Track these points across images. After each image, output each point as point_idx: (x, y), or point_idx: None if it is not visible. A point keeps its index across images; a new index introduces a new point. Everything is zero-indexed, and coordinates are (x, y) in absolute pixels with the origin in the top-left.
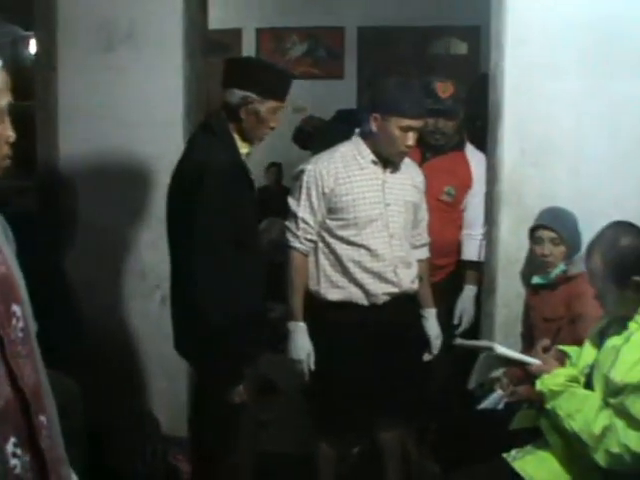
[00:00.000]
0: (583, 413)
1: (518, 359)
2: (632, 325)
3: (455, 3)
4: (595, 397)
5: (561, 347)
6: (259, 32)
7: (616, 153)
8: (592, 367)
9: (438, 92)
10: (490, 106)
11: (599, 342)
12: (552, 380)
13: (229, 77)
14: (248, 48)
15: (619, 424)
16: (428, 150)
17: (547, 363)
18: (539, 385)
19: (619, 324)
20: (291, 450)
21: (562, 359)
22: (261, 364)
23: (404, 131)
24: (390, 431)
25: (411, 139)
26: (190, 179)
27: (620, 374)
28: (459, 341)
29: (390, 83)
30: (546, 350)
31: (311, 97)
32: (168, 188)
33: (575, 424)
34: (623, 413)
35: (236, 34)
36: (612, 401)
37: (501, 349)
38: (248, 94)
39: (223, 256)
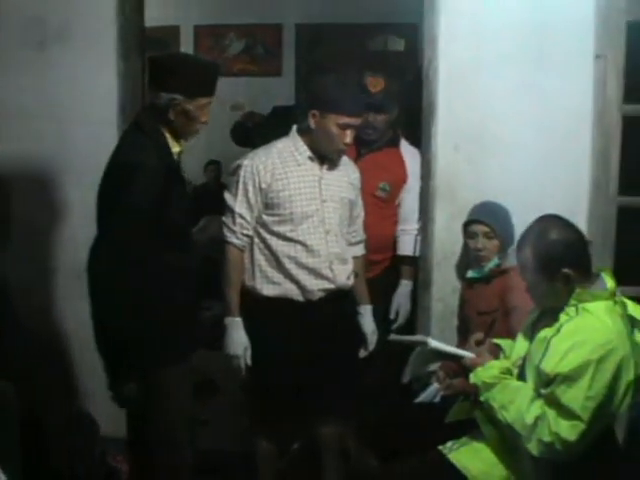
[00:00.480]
0: (516, 404)
1: (452, 353)
2: (562, 317)
3: (393, 0)
4: (527, 388)
5: (495, 340)
6: (197, 29)
7: (547, 147)
8: (524, 359)
9: (369, 86)
10: (424, 102)
11: (531, 334)
12: (485, 373)
13: (154, 79)
14: (186, 45)
15: (550, 414)
16: (363, 146)
17: (480, 356)
18: (473, 378)
19: (550, 316)
20: (231, 447)
21: (496, 352)
22: (201, 362)
23: (342, 128)
24: (328, 426)
25: (349, 137)
26: (116, 177)
27: (551, 365)
28: (393, 337)
29: (329, 80)
30: (479, 343)
31: (249, 94)
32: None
33: (508, 415)
34: (554, 403)
35: (174, 31)
36: (543, 391)
37: (435, 343)
38: (174, 96)
39: (142, 253)
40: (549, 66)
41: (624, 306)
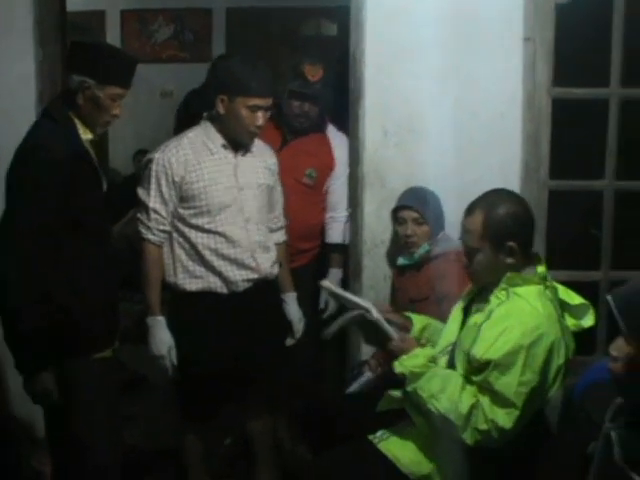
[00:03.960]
0: (447, 393)
1: (384, 330)
2: (493, 300)
3: None
4: (456, 376)
5: (409, 314)
6: (123, 14)
7: (477, 132)
8: (454, 345)
9: (307, 75)
10: (351, 86)
11: (462, 320)
12: (412, 361)
13: (70, 62)
14: (112, 31)
15: (485, 401)
16: (289, 132)
17: (404, 340)
18: (398, 367)
19: (481, 301)
20: (160, 444)
21: (407, 327)
22: (132, 357)
23: (252, 111)
24: (258, 419)
25: (260, 119)
26: (20, 160)
27: (481, 351)
28: (329, 286)
29: (234, 63)
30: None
31: (178, 81)
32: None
33: (440, 405)
34: (488, 390)
35: (99, 16)
36: (475, 378)
37: (377, 314)
38: (85, 79)
39: (45, 239)
40: (478, 49)
41: (555, 290)
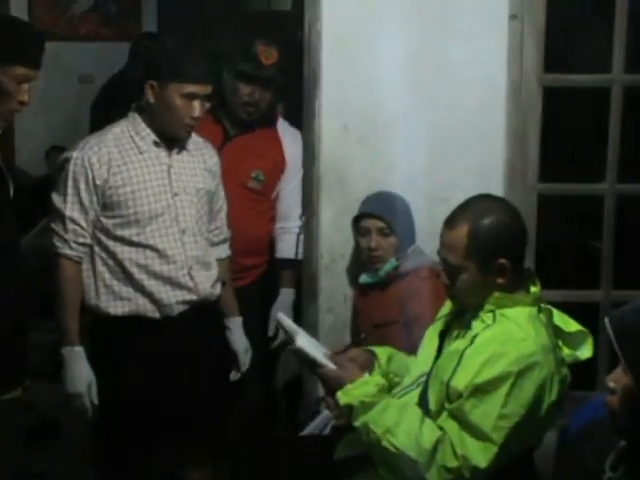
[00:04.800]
0: (403, 426)
1: (312, 358)
2: (477, 325)
3: None
4: (412, 405)
5: (371, 347)
6: None
7: (454, 127)
8: (428, 376)
9: (260, 57)
10: (305, 73)
11: (438, 346)
12: (360, 390)
13: None
14: (18, 1)
15: (453, 433)
16: (232, 127)
17: (344, 368)
18: (343, 398)
19: (461, 325)
20: None
21: (372, 362)
22: (40, 397)
23: (187, 99)
24: (197, 470)
25: (197, 109)
26: None
27: (463, 382)
28: (283, 320)
29: (166, 44)
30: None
31: (100, 63)
32: None
33: (397, 440)
34: (460, 420)
35: None
36: (448, 406)
37: (302, 342)
38: None
39: None
40: (455, 29)
41: (550, 314)
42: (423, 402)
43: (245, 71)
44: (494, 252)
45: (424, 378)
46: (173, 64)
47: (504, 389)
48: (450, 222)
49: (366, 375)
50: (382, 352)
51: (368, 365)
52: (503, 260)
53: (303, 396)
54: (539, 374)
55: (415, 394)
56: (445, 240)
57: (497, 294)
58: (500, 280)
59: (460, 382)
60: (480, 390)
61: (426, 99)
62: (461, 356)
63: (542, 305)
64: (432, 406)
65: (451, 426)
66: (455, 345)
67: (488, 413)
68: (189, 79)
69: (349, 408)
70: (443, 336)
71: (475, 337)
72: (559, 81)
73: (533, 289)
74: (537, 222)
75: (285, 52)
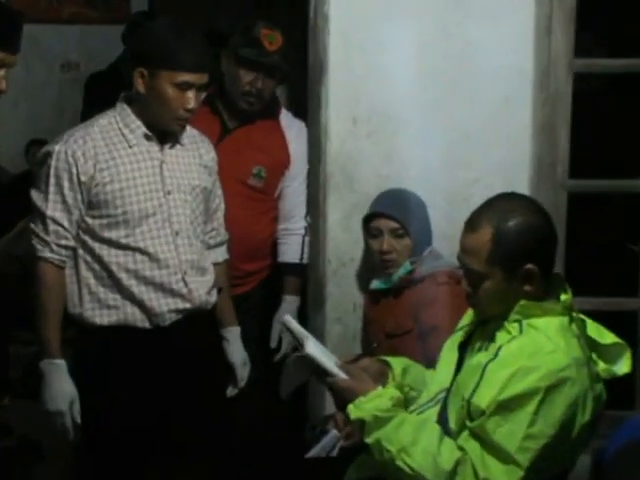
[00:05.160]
0: (421, 445)
1: (322, 367)
2: (501, 336)
3: None
4: (430, 422)
5: (384, 357)
6: None
7: (474, 119)
8: (448, 391)
9: (264, 43)
10: (310, 60)
11: (458, 360)
12: (373, 403)
13: None
14: None
15: (475, 453)
16: (232, 119)
17: (357, 378)
18: (354, 412)
19: (484, 336)
20: None
21: (385, 373)
22: (20, 416)
23: (180, 89)
24: None
25: (192, 100)
26: None
27: (486, 398)
28: (290, 322)
29: (158, 25)
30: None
31: (85, 49)
32: None
33: (412, 460)
34: (482, 440)
35: None
36: (469, 424)
37: (312, 349)
38: None
39: None
40: (475, 11)
41: (583, 325)
42: (442, 421)
43: (247, 56)
44: (521, 257)
45: (443, 394)
46: (164, 49)
47: (531, 407)
48: (471, 224)
49: (379, 387)
50: (397, 363)
51: (381, 376)
52: (530, 266)
53: (308, 413)
54: (570, 391)
55: (433, 412)
56: (466, 244)
57: (524, 302)
58: (527, 287)
59: (483, 399)
60: (505, 407)
61: (444, 88)
62: (484, 370)
63: (574, 314)
64: (452, 425)
65: (472, 446)
66: (477, 358)
67: (513, 433)
68: (182, 66)
69: (361, 423)
70: (463, 348)
71: (499, 349)
72: (591, 67)
73: (564, 297)
74: (567, 222)
75: (289, 37)
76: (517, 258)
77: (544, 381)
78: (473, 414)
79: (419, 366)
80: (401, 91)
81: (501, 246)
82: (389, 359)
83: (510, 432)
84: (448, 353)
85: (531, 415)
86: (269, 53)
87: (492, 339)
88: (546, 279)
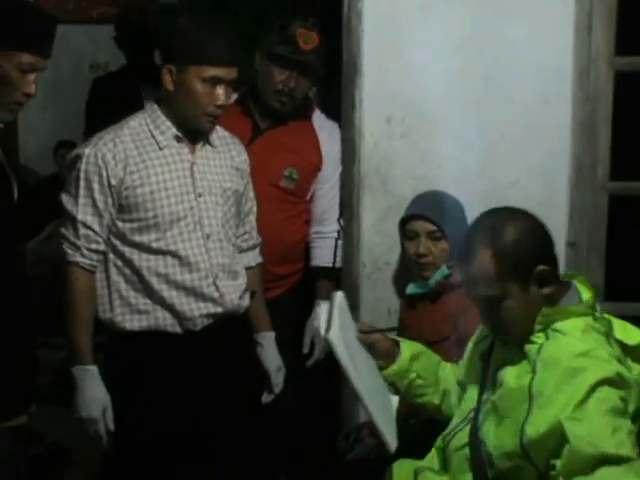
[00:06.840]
0: None
1: (338, 359)
2: (531, 349)
3: None
4: None
5: (397, 338)
6: None
7: (512, 120)
8: (478, 410)
9: (299, 42)
10: (344, 59)
11: (483, 374)
12: None
13: None
14: None
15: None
16: (263, 120)
17: None
18: None
19: (506, 347)
20: None
21: (393, 354)
22: (49, 423)
23: (210, 84)
24: None
25: (222, 96)
26: None
27: (544, 423)
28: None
29: (185, 19)
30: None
31: (114, 48)
32: None
33: None
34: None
35: None
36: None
37: (335, 338)
38: None
39: None
40: (513, 7)
41: (609, 324)
42: (474, 440)
43: (280, 53)
44: (529, 262)
45: (472, 414)
46: (191, 44)
47: (595, 406)
48: (466, 255)
49: None
50: (408, 347)
51: (388, 355)
52: (541, 266)
53: (341, 421)
54: (618, 381)
55: (466, 433)
56: (470, 275)
57: (544, 310)
58: (546, 290)
59: (541, 424)
60: (573, 418)
61: (480, 87)
62: (530, 392)
63: (597, 313)
64: (491, 449)
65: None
66: (510, 378)
67: (600, 435)
68: (210, 60)
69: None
70: (486, 361)
71: (534, 364)
72: (633, 64)
73: (585, 295)
74: (608, 226)
75: (324, 36)
76: (525, 265)
77: (592, 379)
78: (530, 443)
79: (434, 356)
80: (436, 90)
81: (505, 260)
82: (402, 341)
83: (598, 436)
84: (471, 367)
85: (601, 413)
86: (303, 52)
87: (521, 354)
88: (557, 275)
